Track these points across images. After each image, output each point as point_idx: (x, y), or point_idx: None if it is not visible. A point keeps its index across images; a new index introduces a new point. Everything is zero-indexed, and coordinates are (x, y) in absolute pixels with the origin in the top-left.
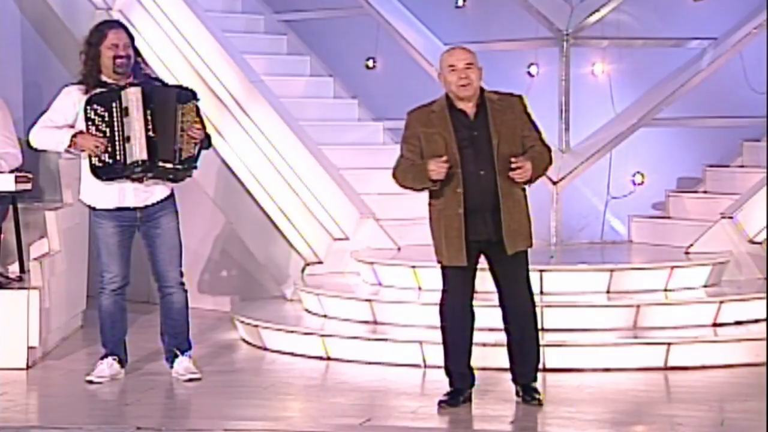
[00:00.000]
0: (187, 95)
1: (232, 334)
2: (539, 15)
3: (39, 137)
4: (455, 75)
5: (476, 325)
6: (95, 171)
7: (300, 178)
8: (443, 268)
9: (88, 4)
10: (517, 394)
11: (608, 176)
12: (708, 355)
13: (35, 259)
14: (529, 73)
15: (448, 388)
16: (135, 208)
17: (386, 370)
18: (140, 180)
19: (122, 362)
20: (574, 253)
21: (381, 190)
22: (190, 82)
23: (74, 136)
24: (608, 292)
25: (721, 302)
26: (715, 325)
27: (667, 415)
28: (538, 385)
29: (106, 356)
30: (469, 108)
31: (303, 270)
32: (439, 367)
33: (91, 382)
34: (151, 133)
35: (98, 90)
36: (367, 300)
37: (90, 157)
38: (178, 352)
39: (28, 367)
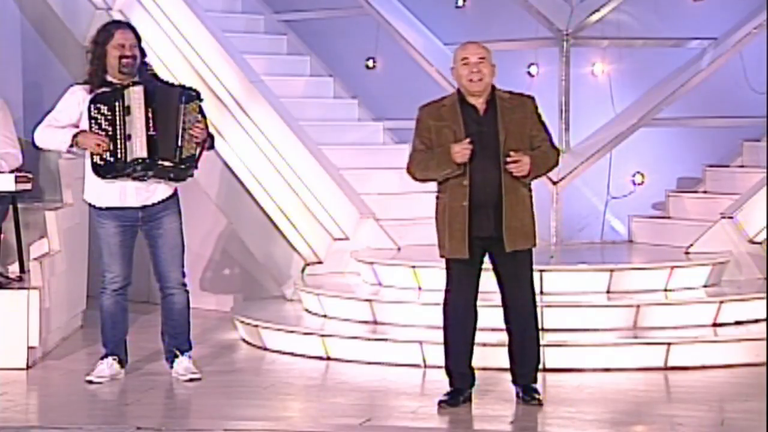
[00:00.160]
0: (191, 95)
1: (233, 334)
2: (539, 15)
3: (42, 137)
4: (467, 69)
5: (477, 324)
6: (97, 169)
7: (300, 178)
8: (447, 264)
9: (88, 4)
10: (517, 395)
11: (608, 176)
12: (708, 355)
13: (35, 259)
14: (529, 73)
15: (448, 388)
16: (137, 208)
17: (386, 370)
18: (141, 178)
19: (122, 362)
20: (574, 253)
21: (381, 190)
22: (190, 82)
23: (76, 135)
24: (608, 292)
25: (721, 302)
26: (715, 325)
27: (667, 415)
28: (538, 385)
29: (106, 356)
30: (480, 103)
31: (303, 270)
32: (439, 367)
33: (91, 382)
34: (151, 132)
35: (102, 89)
36: (367, 300)
37: (92, 155)
38: (178, 353)
39: (28, 367)
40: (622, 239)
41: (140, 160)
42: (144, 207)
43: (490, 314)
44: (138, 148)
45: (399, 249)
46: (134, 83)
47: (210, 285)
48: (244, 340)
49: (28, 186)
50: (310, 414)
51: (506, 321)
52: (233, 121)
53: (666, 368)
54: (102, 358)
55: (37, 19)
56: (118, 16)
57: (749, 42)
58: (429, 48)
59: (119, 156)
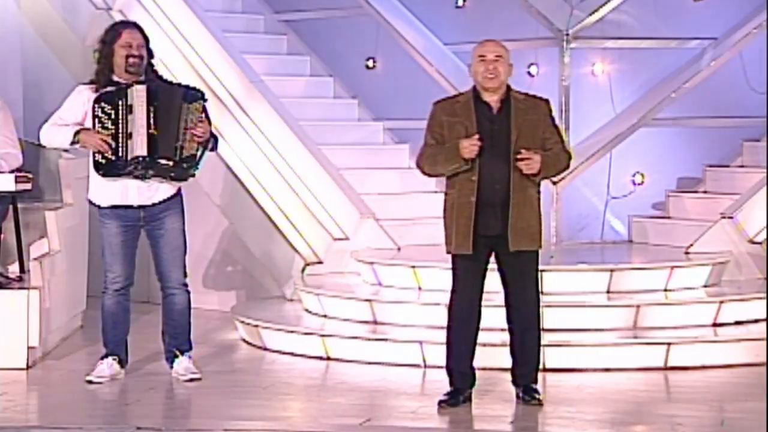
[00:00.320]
0: (194, 95)
1: (233, 334)
2: (539, 15)
3: (47, 135)
4: (483, 65)
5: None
6: (98, 167)
7: (300, 178)
8: (453, 263)
9: (88, 4)
10: (517, 395)
11: (608, 176)
12: (708, 355)
13: (35, 259)
14: (529, 73)
15: (448, 388)
16: (138, 207)
17: (386, 370)
18: (142, 177)
19: (122, 362)
20: (574, 253)
21: (381, 190)
22: (190, 82)
23: (78, 132)
24: (608, 292)
25: (721, 302)
26: (715, 325)
27: (667, 415)
28: (538, 385)
29: (106, 356)
30: (494, 101)
31: (303, 270)
32: (439, 367)
33: (91, 382)
34: (152, 130)
35: (108, 89)
36: (367, 300)
37: (94, 154)
38: (178, 353)
39: (28, 367)
40: (622, 239)
41: (140, 159)
42: (146, 206)
43: (491, 314)
44: (138, 147)
45: (399, 249)
46: (138, 82)
47: (211, 285)
48: (244, 340)
49: (28, 186)
50: (310, 414)
51: (509, 321)
52: (233, 121)
53: (666, 368)
54: (102, 358)
55: (37, 19)
56: (118, 16)
57: (749, 42)
58: (429, 48)
59: (120, 154)
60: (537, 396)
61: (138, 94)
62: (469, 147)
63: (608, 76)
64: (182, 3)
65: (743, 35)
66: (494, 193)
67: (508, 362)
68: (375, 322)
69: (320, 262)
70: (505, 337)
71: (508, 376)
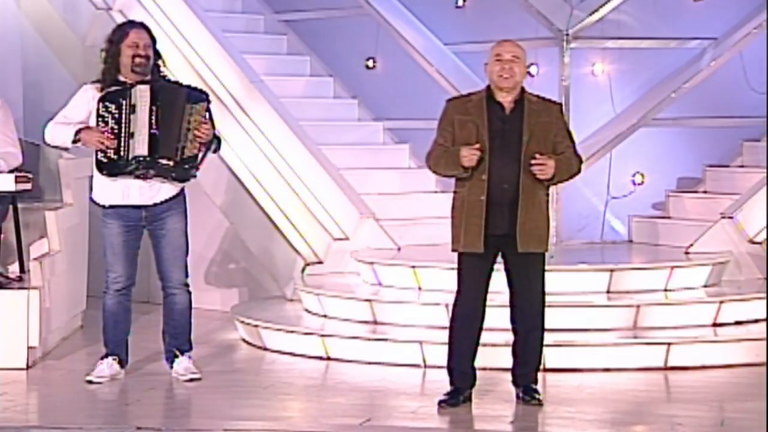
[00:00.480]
0: (198, 96)
1: (233, 334)
2: (539, 15)
3: (51, 133)
4: (499, 65)
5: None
6: (100, 166)
7: (300, 178)
8: (459, 262)
9: (89, 4)
10: (518, 395)
11: (608, 176)
12: (708, 355)
13: (35, 259)
14: (529, 73)
15: (448, 388)
16: (140, 207)
17: (386, 370)
18: (143, 177)
19: (122, 362)
20: (574, 253)
21: (381, 190)
22: (191, 82)
23: (79, 131)
24: (608, 292)
25: (721, 302)
26: (715, 325)
27: (667, 415)
28: (538, 385)
29: (106, 356)
30: (507, 102)
31: (303, 270)
32: (439, 367)
33: (91, 382)
34: (153, 130)
35: (113, 88)
36: (367, 300)
37: (96, 152)
38: (178, 353)
39: (28, 367)
40: (622, 239)
41: (141, 158)
42: (148, 206)
43: (492, 314)
44: (139, 146)
45: (399, 249)
46: (143, 82)
47: (210, 285)
48: (244, 340)
49: (28, 186)
50: (310, 414)
51: (512, 321)
52: (233, 121)
53: (666, 368)
54: (102, 358)
55: (37, 19)
56: (118, 16)
57: (749, 42)
58: (429, 48)
59: (122, 154)
60: (537, 396)
61: (141, 94)
62: (469, 156)
63: (608, 76)
64: (182, 3)
65: (743, 35)
66: (503, 192)
67: (508, 362)
68: (375, 322)
69: (320, 262)
70: (510, 337)
71: (508, 376)
